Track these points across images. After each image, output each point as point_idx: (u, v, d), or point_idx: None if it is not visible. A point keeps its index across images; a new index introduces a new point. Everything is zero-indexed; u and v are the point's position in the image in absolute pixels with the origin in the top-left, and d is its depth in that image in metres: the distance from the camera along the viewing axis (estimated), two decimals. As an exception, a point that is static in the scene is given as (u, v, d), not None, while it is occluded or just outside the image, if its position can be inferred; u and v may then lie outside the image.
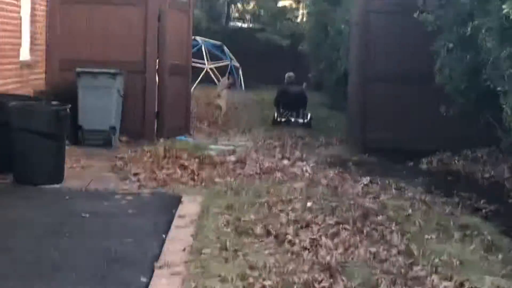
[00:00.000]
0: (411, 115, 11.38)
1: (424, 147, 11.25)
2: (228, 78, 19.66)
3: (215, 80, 22.25)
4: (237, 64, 25.05)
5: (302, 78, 23.93)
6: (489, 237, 6.67)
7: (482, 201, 8.50)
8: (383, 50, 11.42)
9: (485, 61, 8.44)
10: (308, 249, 6.03)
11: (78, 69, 11.24)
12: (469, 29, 8.73)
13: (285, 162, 10.89)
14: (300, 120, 15.63)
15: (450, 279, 5.24)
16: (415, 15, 10.38)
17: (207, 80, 22.79)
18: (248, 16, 31.28)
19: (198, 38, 22.70)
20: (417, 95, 11.25)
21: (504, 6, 6.38)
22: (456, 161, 11.05)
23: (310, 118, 15.59)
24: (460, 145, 11.14)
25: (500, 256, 6.08)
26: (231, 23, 30.91)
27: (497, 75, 7.91)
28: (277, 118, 15.53)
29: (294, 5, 29.95)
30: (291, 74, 17.54)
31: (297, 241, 6.27)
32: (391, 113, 11.48)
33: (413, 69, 11.13)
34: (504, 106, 7.72)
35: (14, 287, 4.92)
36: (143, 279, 5.11)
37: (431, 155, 11.30)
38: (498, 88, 7.87)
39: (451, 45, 9.73)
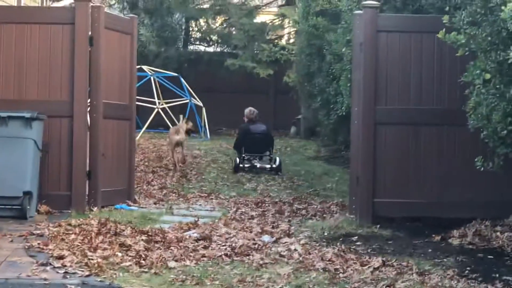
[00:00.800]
0: (435, 171, 9.69)
1: (455, 214, 9.67)
2: (187, 122, 16.25)
3: (169, 124, 17.86)
4: (200, 103, 20.58)
5: (289, 121, 22.19)
6: None
7: None
8: (397, 81, 9.75)
9: None
10: None
11: None
12: (511, 53, 7.46)
13: (266, 238, 9.35)
14: (267, 166, 14.01)
15: None
16: (439, 35, 8.62)
17: (158, 124, 19.20)
18: (214, 37, 26.02)
19: (145, 68, 19.44)
20: (444, 142, 9.67)
21: None
22: (499, 233, 9.50)
23: (280, 162, 14.03)
24: (503, 211, 9.55)
25: None
26: (191, 47, 26.34)
27: None
28: (239, 164, 13.86)
29: (277, 22, 24.83)
30: (252, 109, 15.29)
31: None
32: (409, 167, 9.74)
33: (438, 107, 9.61)
34: None
35: None
36: None
37: (465, 225, 9.72)
38: None
39: (488, 75, 8.26)
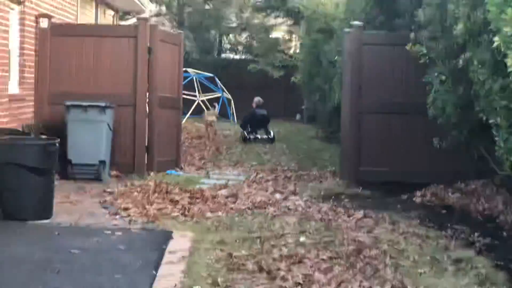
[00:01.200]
0: (404, 148, 10.45)
1: (418, 180, 10.36)
2: (214, 107, 18.69)
3: (213, 113, 19.85)
4: (229, 96, 22.19)
5: (295, 110, 23.88)
6: (483, 271, 5.97)
7: (476, 235, 7.67)
8: (376, 81, 10.50)
9: (478, 94, 7.67)
10: (301, 285, 5.44)
11: (68, 103, 10.20)
12: (461, 61, 7.97)
13: (278, 196, 9.76)
14: (265, 136, 16.15)
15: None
16: (407, 47, 9.55)
17: (199, 112, 20.20)
18: (240, 48, 27.87)
19: (189, 70, 20.55)
20: (410, 127, 10.33)
21: (495, 39, 5.66)
22: (449, 194, 10.13)
23: (273, 135, 16.23)
24: (453, 178, 10.25)
25: (492, 291, 5.69)
26: (223, 55, 28.18)
27: (490, 107, 7.18)
28: (247, 136, 16.00)
29: (287, 37, 27.46)
30: (259, 98, 17.54)
31: (289, 277, 5.60)
32: (384, 145, 10.52)
33: (406, 101, 10.28)
34: (496, 139, 6.91)
35: None
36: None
37: (425, 188, 10.38)
38: (491, 121, 7.10)
39: (443, 77, 8.88)
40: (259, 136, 16.45)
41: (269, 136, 16.35)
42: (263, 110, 17.14)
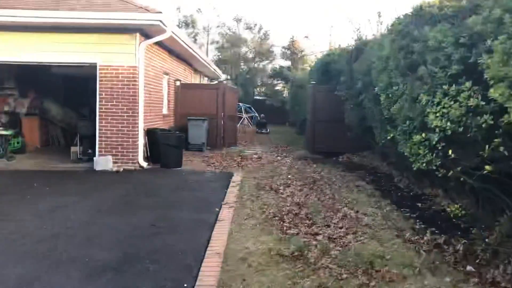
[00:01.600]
0: (334, 137, 13.07)
1: (340, 151, 13.04)
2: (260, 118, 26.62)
3: (249, 122, 28.05)
4: (257, 114, 29.61)
5: (285, 120, 29.23)
6: (369, 191, 7.99)
7: (367, 175, 9.83)
8: (321, 107, 13.46)
9: (367, 113, 9.42)
10: (289, 196, 7.45)
11: (188, 117, 13.95)
12: (360, 99, 9.97)
13: (279, 158, 12.72)
14: (264, 131, 23.26)
15: (353, 209, 6.60)
16: (336, 92, 12.29)
17: (259, 125, 26.79)
18: (262, 93, 37.44)
19: (240, 103, 27.73)
20: (337, 128, 12.71)
21: (375, 89, 7.45)
22: (355, 157, 12.59)
23: (269, 130, 23.43)
24: (357, 150, 12.84)
25: (374, 199, 7.41)
26: (255, 97, 36.22)
27: (372, 119, 8.93)
28: (257, 131, 23.28)
29: (282, 88, 35.87)
30: (262, 115, 27.10)
31: (284, 192, 7.72)
32: (325, 136, 13.30)
33: (335, 116, 12.75)
34: (375, 132, 8.84)
35: (160, 212, 6.37)
36: (217, 209, 6.54)
37: (343, 155, 12.94)
38: (373, 125, 9.01)
39: (352, 105, 11.05)
40: (263, 130, 23.45)
41: (267, 131, 23.38)
42: (264, 119, 25.11)
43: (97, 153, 10.16)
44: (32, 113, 13.69)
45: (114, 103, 10.08)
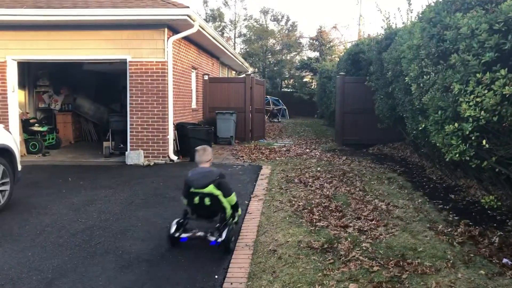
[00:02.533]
0: (364, 128, 13.14)
1: (370, 142, 13.14)
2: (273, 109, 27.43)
3: (278, 115, 28.28)
4: (285, 107, 29.88)
5: (314, 113, 29.87)
6: (400, 182, 7.90)
7: (397, 166, 9.76)
8: (351, 98, 13.35)
9: (398, 103, 9.43)
10: (318, 188, 7.46)
11: (217, 111, 14.09)
12: (390, 89, 9.93)
13: (307, 150, 12.64)
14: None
15: (383, 201, 6.50)
16: (365, 83, 12.34)
17: (272, 115, 27.71)
18: (290, 86, 37.47)
19: (268, 96, 28.97)
20: (367, 119, 12.88)
21: (406, 78, 7.13)
22: (385, 148, 12.51)
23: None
24: (387, 141, 12.82)
25: (406, 191, 7.31)
26: (283, 89, 36.69)
27: (403, 109, 8.86)
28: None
29: (310, 80, 35.28)
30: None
31: (313, 185, 7.71)
32: (355, 127, 13.34)
33: (364, 107, 12.94)
34: (407, 123, 8.69)
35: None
36: (246, 202, 6.62)
37: (373, 146, 12.94)
38: (404, 115, 8.94)
39: (382, 96, 10.96)
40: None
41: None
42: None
43: (128, 147, 10.37)
44: (66, 110, 14.05)
45: (144, 98, 10.25)
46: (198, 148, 5.24)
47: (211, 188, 4.77)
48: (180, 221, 4.99)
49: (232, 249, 4.75)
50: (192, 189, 4.84)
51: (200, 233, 4.89)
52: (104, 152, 11.08)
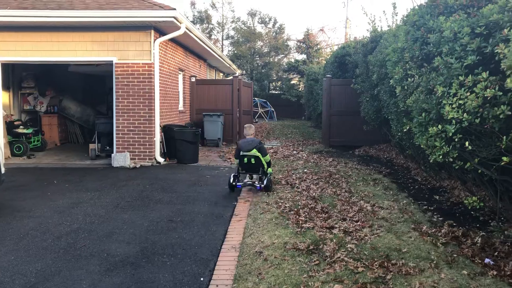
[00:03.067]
0: (350, 129, 13.32)
1: (357, 144, 13.28)
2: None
3: (264, 117, 28.71)
4: (273, 109, 29.69)
5: (301, 115, 30.08)
6: (386, 184, 7.97)
7: (383, 168, 9.84)
8: (337, 101, 13.51)
9: (383, 106, 9.50)
10: (305, 190, 7.51)
11: (204, 113, 14.06)
12: (375, 91, 10.04)
13: (294, 152, 12.68)
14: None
15: (369, 202, 6.57)
16: (351, 85, 12.47)
17: (259, 117, 28.26)
18: (277, 88, 37.31)
19: (255, 98, 29.21)
20: (353, 121, 13.11)
21: (391, 81, 7.14)
22: (371, 150, 12.62)
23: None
24: (373, 143, 13.01)
25: (391, 192, 7.40)
26: (270, 91, 36.56)
27: (388, 112, 8.88)
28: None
29: (297, 82, 35.24)
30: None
31: (300, 187, 7.75)
32: (341, 129, 13.50)
33: (351, 109, 13.16)
34: (392, 125, 8.70)
35: (177, 207, 6.45)
36: (234, 203, 6.69)
37: (360, 147, 13.05)
38: (389, 117, 8.96)
39: (367, 98, 11.09)
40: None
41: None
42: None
43: (114, 149, 10.31)
44: (51, 111, 13.92)
45: (131, 100, 10.20)
46: (246, 125, 7.99)
47: (254, 151, 7.47)
48: (235, 174, 7.67)
49: (270, 188, 7.42)
50: (242, 152, 7.54)
51: (249, 182, 7.69)
52: (90, 154, 11.00)
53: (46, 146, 12.87)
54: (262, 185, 7.43)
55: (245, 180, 7.68)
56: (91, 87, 15.32)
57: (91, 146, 11.08)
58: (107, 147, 10.83)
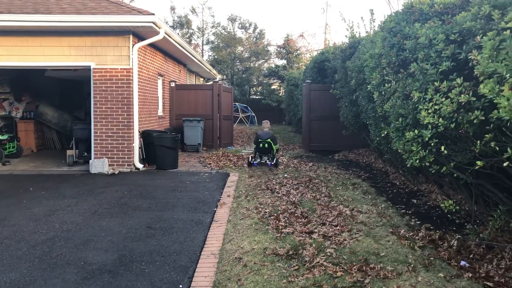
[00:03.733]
0: (330, 134, 13.50)
1: (336, 149, 13.47)
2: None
3: (245, 122, 29.06)
4: (253, 114, 29.91)
5: (282, 119, 30.25)
6: (365, 188, 8.02)
7: (362, 172, 9.94)
8: (316, 106, 13.62)
9: (362, 111, 9.58)
10: (285, 195, 7.52)
11: (184, 118, 13.95)
12: (354, 96, 10.22)
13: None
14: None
15: (348, 206, 6.58)
16: (331, 91, 12.63)
17: (240, 122, 28.49)
18: (258, 93, 37.26)
19: (236, 103, 29.37)
20: (333, 126, 13.27)
21: (368, 86, 7.23)
22: (350, 155, 12.79)
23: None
24: (352, 147, 13.19)
25: (370, 196, 7.44)
26: (251, 96, 36.47)
27: (367, 117, 8.96)
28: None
29: (278, 87, 35.46)
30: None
31: (280, 192, 7.76)
32: (321, 134, 13.64)
33: (330, 114, 13.32)
34: (370, 130, 8.80)
35: (156, 214, 6.37)
36: (214, 209, 6.65)
37: (339, 152, 13.23)
38: (367, 122, 9.03)
39: (346, 104, 11.24)
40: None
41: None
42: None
43: (92, 156, 10.18)
44: (27, 117, 13.68)
45: (109, 105, 10.10)
46: (264, 121, 11.66)
47: (269, 140, 10.73)
48: (252, 155, 11.07)
49: (278, 165, 10.36)
50: (260, 140, 10.84)
51: (263, 161, 10.89)
52: (68, 161, 10.84)
53: (22, 153, 12.61)
54: (272, 163, 10.66)
55: (259, 159, 10.95)
56: (69, 92, 15.12)
57: (69, 152, 10.91)
58: (85, 153, 10.68)
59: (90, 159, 10.23)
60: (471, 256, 4.45)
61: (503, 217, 4.43)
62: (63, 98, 14.98)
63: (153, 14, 9.55)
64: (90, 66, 10.03)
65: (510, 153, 3.54)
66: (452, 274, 4.06)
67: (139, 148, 10.54)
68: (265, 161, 10.81)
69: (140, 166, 10.32)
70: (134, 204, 7.08)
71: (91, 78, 10.08)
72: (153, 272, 4.33)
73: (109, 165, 10.07)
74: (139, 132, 10.57)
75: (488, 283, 3.81)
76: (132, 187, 8.31)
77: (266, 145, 10.84)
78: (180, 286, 4.03)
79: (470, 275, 4.00)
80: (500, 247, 4.52)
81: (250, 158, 10.89)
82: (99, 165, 9.97)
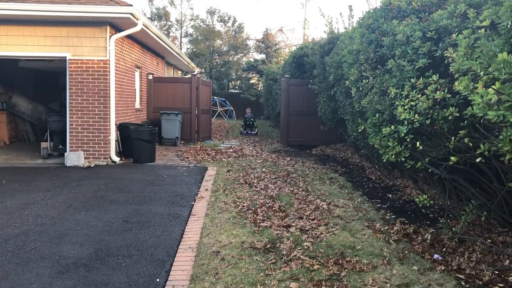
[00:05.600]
0: (308, 130, 13.65)
1: (314, 143, 13.63)
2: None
3: (223, 116, 29.27)
4: (232, 108, 29.93)
5: (261, 114, 30.21)
6: (341, 182, 8.15)
7: (339, 167, 10.09)
8: (295, 101, 13.72)
9: (339, 106, 9.67)
10: (263, 189, 7.54)
11: (161, 112, 13.80)
12: (332, 92, 10.32)
13: (253, 151, 12.73)
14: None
15: (325, 201, 6.65)
16: (309, 86, 12.77)
17: (218, 116, 28.66)
18: (237, 87, 36.95)
19: (214, 97, 29.32)
20: (311, 121, 13.46)
21: (346, 82, 7.24)
22: (328, 149, 12.93)
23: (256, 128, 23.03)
24: (330, 142, 13.37)
25: (346, 190, 7.54)
26: (229, 90, 36.20)
27: (344, 112, 9.05)
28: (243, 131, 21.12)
29: (257, 81, 35.25)
30: (249, 109, 22.85)
31: (258, 186, 7.81)
32: (299, 129, 13.77)
33: (308, 109, 13.50)
34: (347, 125, 8.88)
35: (133, 208, 6.31)
36: (192, 203, 6.61)
37: (317, 147, 13.33)
38: (345, 118, 9.09)
39: (324, 99, 11.39)
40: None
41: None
42: (251, 114, 22.18)
43: (68, 148, 10.00)
44: (0, 108, 13.32)
45: (85, 97, 9.93)
46: (247, 109, 21.40)
47: (252, 119, 19.03)
48: (242, 128, 19.09)
49: (257, 134, 14.34)
50: (247, 119, 19.09)
51: (248, 132, 18.60)
52: (42, 153, 10.63)
53: (-6, 145, 12.24)
54: (254, 132, 17.57)
55: (246, 130, 17.18)
56: (44, 83, 14.80)
57: (43, 144, 10.70)
58: (60, 146, 10.50)
59: (65, 151, 10.05)
60: (444, 249, 4.55)
61: (475, 212, 4.54)
62: (38, 90, 14.66)
63: (131, 5, 9.41)
64: (66, 57, 9.83)
65: (483, 149, 3.62)
66: (425, 267, 4.15)
67: (116, 141, 10.39)
68: (250, 132, 18.03)
69: (116, 159, 10.19)
70: (110, 197, 6.99)
71: (66, 69, 9.89)
72: (130, 266, 4.29)
73: (85, 158, 9.92)
74: (116, 124, 10.43)
75: (460, 276, 3.90)
76: (109, 181, 8.20)
77: (250, 122, 18.74)
78: (157, 279, 4.00)
79: (443, 268, 4.09)
80: (471, 241, 4.64)
81: (241, 129, 18.26)
82: (74, 158, 9.80)
